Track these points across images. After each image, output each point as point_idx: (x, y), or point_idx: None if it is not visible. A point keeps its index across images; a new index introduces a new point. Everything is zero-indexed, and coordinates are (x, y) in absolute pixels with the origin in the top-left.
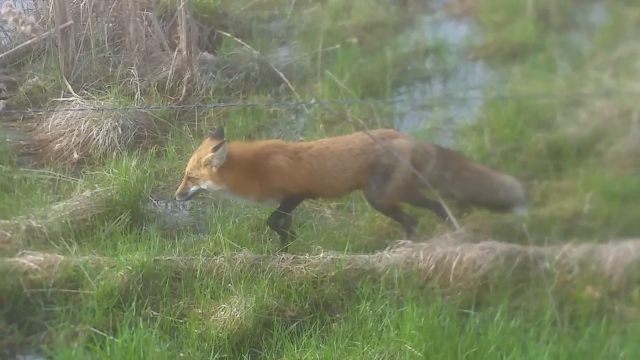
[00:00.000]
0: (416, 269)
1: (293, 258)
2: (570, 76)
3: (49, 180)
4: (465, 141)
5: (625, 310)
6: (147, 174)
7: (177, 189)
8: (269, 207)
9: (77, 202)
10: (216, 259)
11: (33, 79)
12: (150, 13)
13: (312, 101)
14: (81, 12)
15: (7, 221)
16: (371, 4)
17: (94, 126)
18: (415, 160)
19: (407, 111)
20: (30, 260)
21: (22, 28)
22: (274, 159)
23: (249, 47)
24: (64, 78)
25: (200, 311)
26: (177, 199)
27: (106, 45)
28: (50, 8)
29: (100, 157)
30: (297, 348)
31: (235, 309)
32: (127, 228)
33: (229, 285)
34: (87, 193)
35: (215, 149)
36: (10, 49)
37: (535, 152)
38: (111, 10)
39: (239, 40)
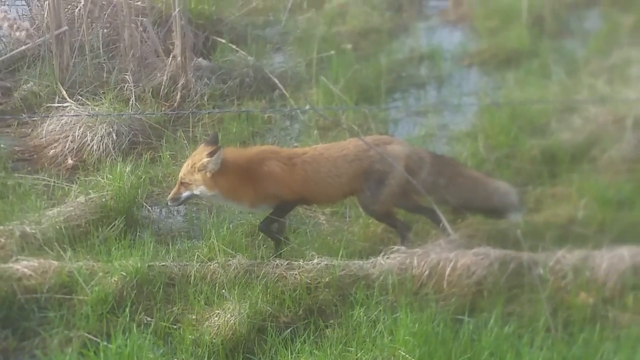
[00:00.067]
0: (410, 275)
1: (287, 264)
2: (565, 82)
3: (43, 186)
4: (459, 147)
5: (619, 316)
6: (142, 179)
7: (169, 194)
8: (262, 213)
9: (72, 208)
10: (210, 265)
11: (28, 85)
12: (145, 19)
13: (307, 107)
14: (76, 18)
15: (1, 227)
16: (366, 10)
17: (88, 132)
18: (409, 167)
19: (402, 117)
20: (24, 266)
21: (17, 34)
22: (267, 165)
23: (243, 53)
24: (59, 84)
25: (194, 317)
26: (169, 203)
27: (101, 51)
28: (45, 14)
29: (94, 162)
30: (291, 354)
31: (229, 315)
32: (121, 234)
33: (223, 291)
34: (82, 199)
35: (210, 155)
36: (5, 54)
37: (530, 158)
38: (106, 16)
39: (234, 46)
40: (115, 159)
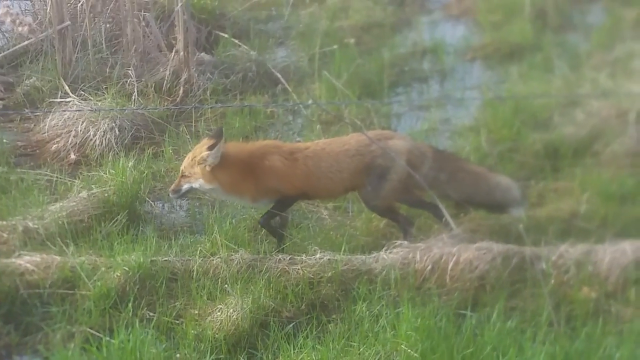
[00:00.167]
0: (413, 270)
1: (289, 259)
2: (568, 77)
3: (45, 181)
4: (462, 141)
5: (621, 310)
6: (144, 174)
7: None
8: (263, 208)
9: (74, 203)
10: (213, 260)
11: (30, 80)
12: (148, 14)
13: (310, 102)
14: (78, 13)
15: (4, 222)
16: (368, 4)
17: (91, 127)
18: (411, 162)
19: (405, 112)
20: (27, 261)
21: (20, 29)
22: (269, 160)
23: (246, 47)
24: (61, 79)
25: (196, 312)
26: (170, 195)
27: (103, 46)
28: (48, 9)
29: (97, 157)
30: (294, 349)
31: (231, 310)
32: (124, 229)
33: (226, 286)
34: (84, 194)
35: (210, 148)
36: (8, 49)
37: (533, 153)
38: (108, 11)
39: (237, 41)
40: (117, 154)
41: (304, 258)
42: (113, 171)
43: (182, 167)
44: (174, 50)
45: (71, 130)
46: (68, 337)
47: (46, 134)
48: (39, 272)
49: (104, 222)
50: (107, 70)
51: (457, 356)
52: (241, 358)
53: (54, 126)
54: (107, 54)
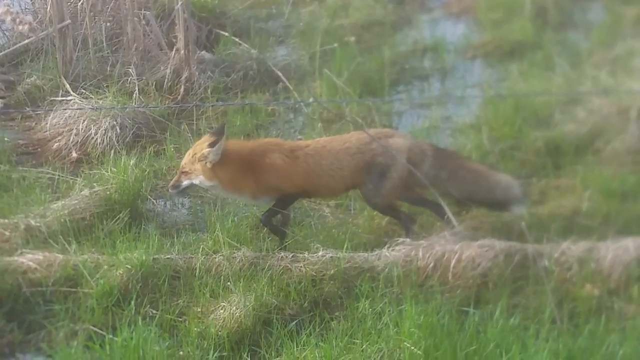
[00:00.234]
0: (415, 267)
1: (292, 256)
2: (568, 74)
3: (47, 180)
4: (463, 139)
5: (624, 307)
6: (146, 172)
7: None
8: (263, 205)
9: (76, 201)
10: (215, 258)
11: (31, 78)
12: (148, 12)
13: (311, 100)
14: (79, 11)
15: (6, 220)
16: (369, 2)
17: (92, 125)
18: (411, 159)
19: (406, 110)
20: (29, 259)
21: (20, 27)
22: (270, 157)
23: (247, 46)
24: (62, 77)
25: (199, 310)
26: (169, 191)
27: (104, 44)
28: (48, 7)
29: (98, 156)
30: (297, 346)
31: (234, 308)
32: (126, 227)
33: (228, 283)
34: (86, 192)
35: (211, 145)
36: (8, 48)
37: (534, 150)
38: (109, 9)
39: (237, 39)
40: (119, 152)
41: (306, 256)
42: (115, 169)
43: (182, 163)
44: (174, 49)
45: (72, 129)
46: (71, 335)
47: (47, 133)
48: (41, 270)
49: (106, 220)
50: (108, 68)
51: (460, 353)
52: (244, 355)
53: (55, 124)
54: (107, 53)
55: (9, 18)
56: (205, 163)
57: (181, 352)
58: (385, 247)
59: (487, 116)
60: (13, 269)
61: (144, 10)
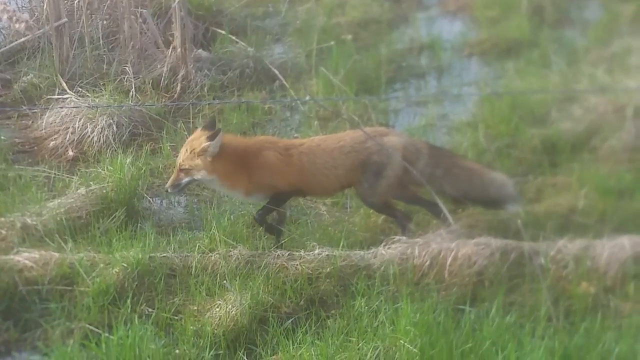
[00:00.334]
0: (411, 265)
1: (288, 255)
2: (565, 72)
3: (43, 178)
4: (460, 137)
5: (620, 305)
6: (142, 171)
7: (167, 182)
8: (257, 202)
9: (72, 200)
10: (211, 256)
11: (27, 77)
12: (145, 10)
13: (307, 98)
14: (75, 9)
15: (2, 219)
16: (365, 0)
17: (88, 124)
18: (406, 158)
19: (402, 108)
20: (25, 257)
21: (17, 25)
22: (264, 155)
23: (243, 44)
24: (59, 76)
25: (195, 308)
26: (169, 191)
27: (101, 42)
28: (45, 5)
29: (95, 154)
30: (293, 344)
31: (230, 306)
32: (122, 225)
33: (224, 282)
34: (82, 190)
35: (211, 138)
36: (5, 46)
37: (530, 148)
38: (105, 7)
39: (234, 38)
40: (115, 150)
41: (302, 254)
42: (111, 168)
43: (179, 161)
44: (171, 47)
45: (69, 127)
46: (67, 333)
47: (44, 131)
48: (37, 268)
49: (102, 218)
50: (105, 67)
51: (456, 351)
52: (240, 354)
53: (51, 123)
54: (104, 51)
55: (5, 16)
56: (206, 157)
57: (177, 351)
58: (382, 245)
59: (484, 114)
60: (9, 267)
61: (141, 9)
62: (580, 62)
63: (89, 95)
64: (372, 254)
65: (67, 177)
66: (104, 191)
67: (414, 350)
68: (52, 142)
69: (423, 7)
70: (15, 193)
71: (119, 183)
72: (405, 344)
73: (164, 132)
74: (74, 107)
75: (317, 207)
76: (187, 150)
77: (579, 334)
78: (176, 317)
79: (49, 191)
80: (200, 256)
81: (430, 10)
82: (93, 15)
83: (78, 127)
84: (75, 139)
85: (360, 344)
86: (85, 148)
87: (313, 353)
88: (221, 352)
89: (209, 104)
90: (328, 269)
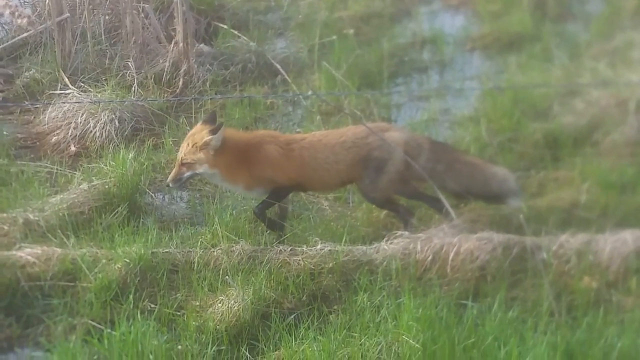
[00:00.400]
0: (414, 260)
1: (290, 250)
2: (567, 66)
3: (46, 173)
4: (462, 132)
5: (622, 300)
6: (144, 166)
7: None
8: (258, 197)
9: (75, 195)
10: (214, 251)
11: (30, 72)
12: (147, 5)
13: (309, 93)
14: (77, 4)
15: (5, 214)
16: None
17: (91, 119)
18: (407, 153)
19: (404, 102)
20: (27, 253)
21: (19, 21)
22: (265, 149)
23: (245, 38)
24: (61, 71)
25: (197, 303)
26: (170, 185)
27: (103, 37)
28: (47, 1)
29: (97, 149)
30: (295, 340)
31: (232, 301)
32: (125, 221)
33: (227, 277)
34: (85, 186)
35: (213, 132)
36: (7, 41)
37: (533, 143)
38: (107, 2)
39: (236, 32)
40: (117, 145)
41: (304, 249)
42: (113, 163)
43: (181, 156)
44: (173, 42)
45: (71, 122)
46: (69, 329)
47: (46, 126)
48: (39, 264)
49: (105, 214)
50: (107, 62)
51: (458, 346)
52: (242, 349)
53: (53, 118)
54: (106, 46)
55: (7, 11)
56: (209, 150)
57: (179, 346)
58: (384, 240)
59: (486, 108)
60: (11, 263)
61: (143, 4)
62: (582, 56)
63: (91, 90)
64: (374, 249)
65: (70, 172)
66: (106, 187)
67: (417, 345)
68: (54, 138)
69: (425, 1)
70: (18, 189)
71: (121, 178)
72: (408, 339)
73: (166, 127)
74: (76, 102)
75: (319, 202)
76: (188, 144)
77: (582, 329)
78: (178, 313)
79: (51, 187)
80: (203, 252)
81: (433, 4)
82: (95, 10)
83: (80, 123)
84: (78, 134)
85: (362, 339)
86: (87, 143)
87: (315, 348)
88: (223, 347)
89: (211, 98)
90: (330, 264)
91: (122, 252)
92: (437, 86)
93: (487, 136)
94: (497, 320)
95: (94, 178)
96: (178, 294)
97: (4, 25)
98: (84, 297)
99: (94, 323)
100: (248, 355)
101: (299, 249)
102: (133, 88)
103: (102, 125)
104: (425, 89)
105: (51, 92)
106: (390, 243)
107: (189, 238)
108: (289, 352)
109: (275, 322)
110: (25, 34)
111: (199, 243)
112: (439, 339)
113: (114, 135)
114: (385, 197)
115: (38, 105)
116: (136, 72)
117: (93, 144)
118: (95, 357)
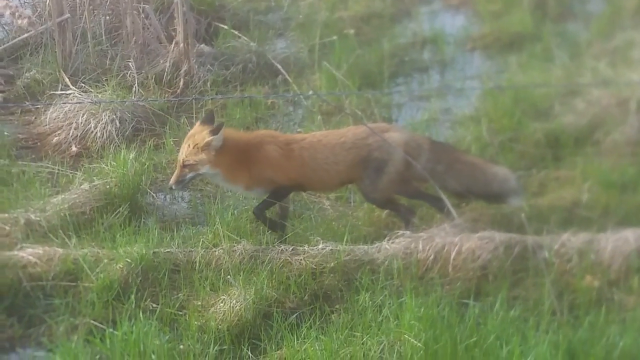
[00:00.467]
0: (415, 260)
1: (292, 249)
2: (568, 66)
3: (47, 174)
4: (463, 131)
5: (624, 299)
6: (145, 166)
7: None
8: (258, 197)
9: (76, 195)
10: (215, 251)
11: (31, 73)
12: (147, 5)
13: (310, 93)
14: (78, 5)
15: (6, 215)
16: None
17: (91, 119)
18: (408, 154)
19: (405, 102)
20: (29, 253)
21: (19, 21)
22: (265, 149)
23: (246, 39)
24: (62, 71)
25: (199, 303)
26: (173, 187)
27: (103, 38)
28: (47, 1)
29: (98, 150)
30: (297, 339)
31: (234, 301)
32: (126, 221)
33: (228, 277)
34: (86, 186)
35: (214, 132)
36: (8, 42)
37: (533, 142)
38: (108, 3)
39: (236, 32)
40: (118, 145)
41: (306, 249)
42: (114, 163)
43: (182, 157)
44: (173, 42)
45: (72, 123)
46: (71, 329)
47: (47, 127)
48: (41, 264)
49: (106, 214)
50: (107, 62)
51: (460, 345)
52: (244, 349)
53: (54, 118)
54: (107, 46)
55: (8, 12)
56: (210, 151)
57: (181, 346)
58: (385, 239)
59: (487, 108)
60: (13, 263)
61: (143, 4)
62: (583, 55)
63: (92, 90)
64: (376, 248)
65: (71, 172)
66: (108, 187)
67: (418, 344)
68: (55, 138)
69: (425, 1)
70: (19, 189)
71: (123, 178)
72: (410, 338)
73: (167, 127)
74: (77, 103)
75: (320, 202)
76: (189, 145)
77: (583, 328)
78: (180, 313)
79: (53, 187)
80: (204, 251)
81: (433, 4)
82: (95, 11)
83: (81, 123)
84: (79, 135)
85: (364, 339)
86: (88, 144)
87: (317, 348)
88: (225, 347)
89: (211, 99)
90: (332, 264)
91: (124, 252)
92: (437, 86)
93: (488, 136)
94: (499, 319)
95: (95, 178)
96: (180, 294)
97: (4, 26)
98: (85, 297)
99: (96, 323)
100: (250, 354)
101: (301, 248)
102: (134, 88)
103: (103, 125)
104: (426, 88)
105: (52, 92)
106: (392, 242)
107: (190, 238)
108: (291, 352)
109: (277, 321)
110: (25, 35)
111: (201, 243)
112: (441, 338)
113: (115, 136)
114: (386, 198)
115: (39, 106)
116: (137, 73)
117: (94, 144)
118: (98, 357)
